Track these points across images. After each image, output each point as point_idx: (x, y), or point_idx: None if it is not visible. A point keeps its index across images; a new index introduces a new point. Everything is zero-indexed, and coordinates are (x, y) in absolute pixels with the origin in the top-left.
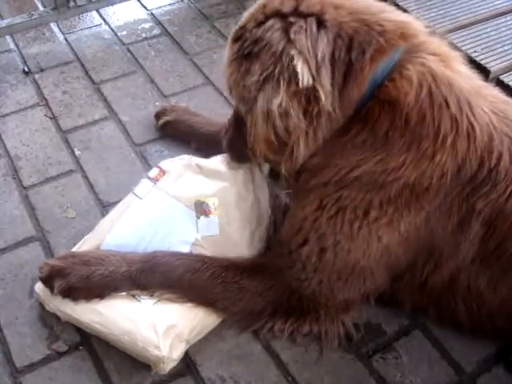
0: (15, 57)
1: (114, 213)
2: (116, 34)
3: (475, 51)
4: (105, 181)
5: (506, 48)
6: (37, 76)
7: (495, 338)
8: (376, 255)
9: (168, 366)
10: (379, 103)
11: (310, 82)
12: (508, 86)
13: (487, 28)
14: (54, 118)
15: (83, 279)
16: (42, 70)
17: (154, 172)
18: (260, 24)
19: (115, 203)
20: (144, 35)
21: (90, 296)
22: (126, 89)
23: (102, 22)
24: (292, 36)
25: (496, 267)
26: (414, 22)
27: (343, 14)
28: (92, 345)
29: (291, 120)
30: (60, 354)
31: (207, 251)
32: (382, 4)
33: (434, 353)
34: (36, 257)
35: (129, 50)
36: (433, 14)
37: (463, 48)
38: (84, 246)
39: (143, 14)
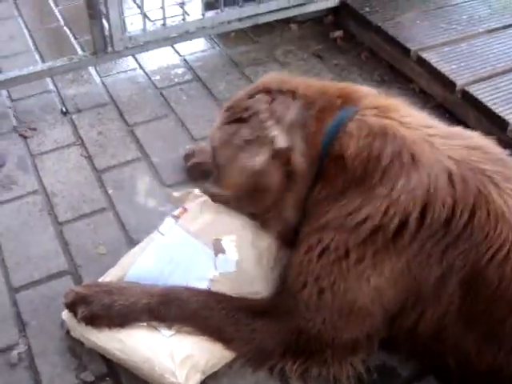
0: (54, 97)
1: (137, 248)
2: (150, 78)
3: (494, 103)
4: (135, 219)
5: None
6: (74, 116)
7: None
8: (369, 295)
9: None
10: (331, 160)
11: (285, 144)
12: None
13: (506, 80)
14: (88, 157)
15: (105, 308)
16: (79, 111)
17: (177, 211)
18: (251, 96)
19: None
20: (176, 80)
21: (112, 324)
22: (158, 131)
23: (137, 66)
24: (273, 107)
25: (480, 332)
26: (361, 87)
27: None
28: (118, 375)
29: (268, 177)
30: None
31: (225, 287)
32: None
33: None
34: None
35: (161, 94)
36: (454, 67)
37: (483, 100)
38: (108, 277)
39: (176, 60)
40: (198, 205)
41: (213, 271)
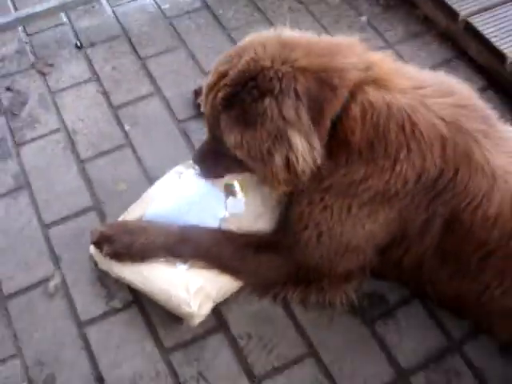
0: (68, 30)
1: (156, 187)
2: (160, 7)
3: (495, 36)
4: (151, 156)
5: None
6: (88, 50)
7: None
8: (363, 237)
9: (197, 321)
10: (336, 145)
11: (307, 153)
12: None
13: (510, 10)
14: (105, 94)
15: (127, 246)
16: (92, 45)
17: (182, 166)
18: (256, 100)
19: (160, 177)
20: (186, 8)
21: (133, 260)
22: (170, 65)
23: None
24: (286, 115)
25: (452, 265)
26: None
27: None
28: (142, 303)
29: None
30: (116, 311)
31: (233, 225)
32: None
33: (429, 321)
34: (94, 225)
35: (171, 24)
36: None
37: (484, 32)
38: (129, 215)
39: None
40: None
41: (223, 212)
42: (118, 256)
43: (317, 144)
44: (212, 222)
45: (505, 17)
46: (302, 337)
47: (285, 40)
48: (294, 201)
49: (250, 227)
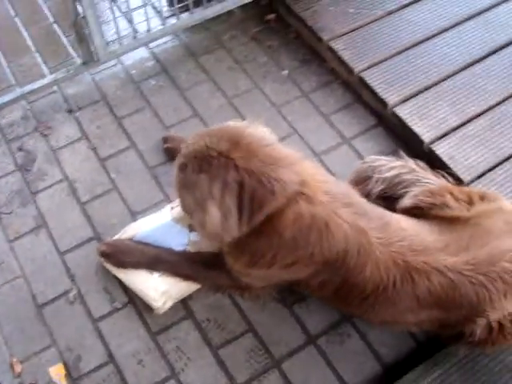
0: (59, 97)
1: (145, 219)
2: (128, 73)
3: (380, 87)
4: (132, 196)
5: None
6: (77, 114)
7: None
8: (285, 277)
9: (161, 311)
10: (268, 230)
11: (218, 222)
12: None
13: (395, 63)
14: (93, 149)
15: (119, 262)
16: (79, 109)
17: (174, 204)
18: (197, 173)
19: (141, 211)
20: (149, 73)
21: (124, 268)
22: (140, 122)
23: (117, 62)
24: (212, 192)
25: (344, 300)
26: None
27: (250, 169)
28: (136, 303)
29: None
30: (117, 309)
31: (193, 248)
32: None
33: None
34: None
35: (138, 88)
36: (354, 54)
37: (371, 84)
38: (124, 235)
39: (147, 53)
40: None
41: (186, 240)
42: (114, 265)
43: (232, 220)
44: (179, 246)
45: (387, 70)
46: (243, 318)
47: (242, 140)
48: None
49: (204, 249)
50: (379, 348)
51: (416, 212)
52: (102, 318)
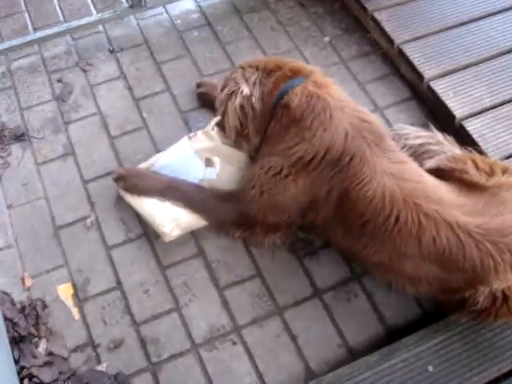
0: (103, 38)
1: (164, 152)
2: (173, 22)
3: (418, 60)
4: (160, 136)
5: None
6: (118, 54)
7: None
8: (289, 199)
9: (167, 239)
10: (281, 107)
11: (248, 92)
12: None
13: (435, 40)
14: (129, 89)
15: (134, 185)
16: (121, 50)
17: (192, 133)
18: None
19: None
20: (193, 24)
21: (137, 194)
22: (178, 69)
23: (164, 11)
24: (243, 73)
25: (343, 228)
26: (307, 65)
27: (264, 64)
28: (149, 236)
29: (242, 113)
30: (131, 240)
31: (207, 185)
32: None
33: (340, 259)
34: None
35: (181, 37)
36: (396, 26)
37: (410, 57)
38: (143, 165)
39: (193, 6)
40: (202, 133)
41: (201, 175)
42: (128, 190)
43: (256, 95)
44: (193, 180)
45: (428, 45)
46: (253, 263)
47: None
48: (251, 169)
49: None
50: (384, 310)
51: (438, 174)
52: (115, 246)
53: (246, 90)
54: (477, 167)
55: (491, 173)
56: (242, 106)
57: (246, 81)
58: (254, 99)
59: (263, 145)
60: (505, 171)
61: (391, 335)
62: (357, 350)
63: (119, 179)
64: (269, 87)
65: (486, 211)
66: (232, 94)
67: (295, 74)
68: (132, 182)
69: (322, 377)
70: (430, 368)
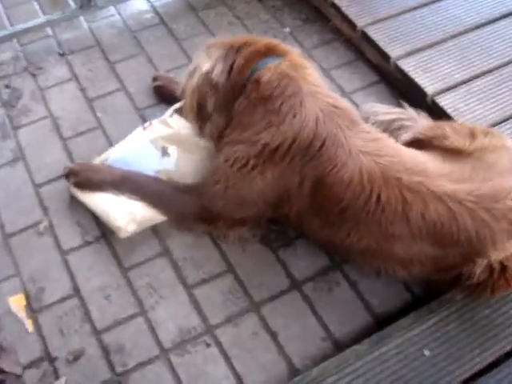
0: (53, 42)
1: (117, 145)
2: (125, 23)
3: (384, 42)
4: (118, 135)
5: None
6: (69, 57)
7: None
8: (256, 193)
9: (122, 235)
10: (251, 83)
11: (209, 68)
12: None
13: (398, 21)
14: (82, 90)
15: (86, 179)
16: (72, 53)
17: (146, 124)
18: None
19: None
20: (146, 24)
21: (90, 190)
22: (133, 68)
23: (116, 13)
24: (208, 51)
25: (321, 218)
26: (284, 45)
27: (232, 40)
28: (108, 238)
29: (202, 89)
30: (89, 243)
31: (164, 177)
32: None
33: (318, 249)
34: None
35: (135, 37)
36: (358, 10)
37: (375, 39)
38: (97, 160)
39: (146, 6)
40: (156, 123)
41: (158, 166)
42: (80, 185)
43: (219, 69)
44: (148, 172)
45: (392, 27)
46: (223, 259)
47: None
48: (214, 158)
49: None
50: (370, 298)
51: (416, 146)
52: (72, 250)
53: (206, 66)
54: (457, 132)
55: (472, 135)
56: (201, 84)
57: (209, 58)
58: (214, 74)
59: (229, 129)
60: (486, 134)
61: (381, 324)
62: (343, 342)
63: (71, 174)
64: (240, 62)
65: (474, 177)
66: (191, 72)
67: (270, 51)
68: (85, 175)
69: (308, 372)
70: (427, 352)
